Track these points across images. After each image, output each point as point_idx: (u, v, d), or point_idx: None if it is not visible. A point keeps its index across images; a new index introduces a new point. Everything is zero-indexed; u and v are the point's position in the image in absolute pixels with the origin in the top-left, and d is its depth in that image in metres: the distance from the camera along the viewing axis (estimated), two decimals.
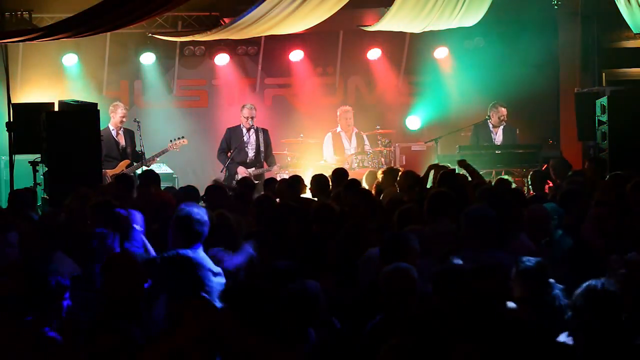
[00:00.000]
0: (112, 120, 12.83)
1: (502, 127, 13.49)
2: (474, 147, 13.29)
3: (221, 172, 13.04)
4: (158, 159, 12.95)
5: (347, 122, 13.84)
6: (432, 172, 9.56)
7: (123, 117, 12.86)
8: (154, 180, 9.67)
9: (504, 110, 13.43)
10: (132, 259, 5.54)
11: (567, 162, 11.02)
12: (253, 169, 13.07)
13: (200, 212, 6.18)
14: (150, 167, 12.77)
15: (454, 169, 9.69)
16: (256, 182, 12.00)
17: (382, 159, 13.46)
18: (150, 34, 14.00)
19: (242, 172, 12.96)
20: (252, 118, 13.11)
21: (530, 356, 4.33)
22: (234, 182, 12.66)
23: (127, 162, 12.66)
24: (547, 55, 15.10)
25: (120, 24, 11.53)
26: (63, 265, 6.33)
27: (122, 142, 12.82)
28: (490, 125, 13.51)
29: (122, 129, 12.87)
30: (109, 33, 13.53)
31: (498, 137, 13.49)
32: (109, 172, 12.35)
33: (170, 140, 12.94)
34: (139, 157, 12.57)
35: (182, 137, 12.98)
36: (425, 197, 7.29)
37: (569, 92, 14.43)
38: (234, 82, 15.31)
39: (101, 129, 11.44)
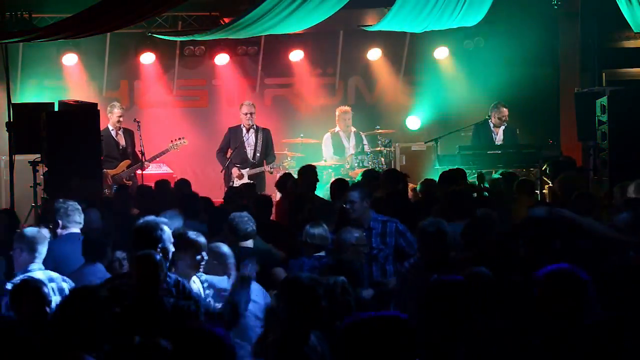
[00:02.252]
0: (110, 120, 12.85)
1: (502, 127, 13.49)
2: (474, 147, 13.28)
3: (221, 172, 13.03)
4: (158, 159, 12.96)
5: (345, 123, 13.80)
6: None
7: (120, 116, 12.87)
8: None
9: (505, 111, 13.41)
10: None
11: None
12: (247, 169, 13.03)
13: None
14: (149, 167, 12.83)
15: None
16: (251, 182, 12.02)
17: (382, 159, 13.45)
18: (150, 34, 14.00)
19: (235, 172, 12.92)
20: (251, 114, 13.04)
21: None
22: (232, 182, 12.67)
23: (127, 162, 12.66)
24: (547, 55, 15.10)
25: (120, 23, 11.51)
26: None
27: (122, 142, 12.83)
28: (491, 125, 13.49)
29: (121, 129, 12.88)
30: (109, 33, 13.52)
31: (499, 137, 13.46)
32: (110, 172, 12.37)
33: (171, 141, 12.96)
34: (139, 157, 12.57)
35: (182, 138, 13.01)
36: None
37: (569, 92, 14.41)
38: (234, 82, 15.29)
39: (101, 129, 11.45)
